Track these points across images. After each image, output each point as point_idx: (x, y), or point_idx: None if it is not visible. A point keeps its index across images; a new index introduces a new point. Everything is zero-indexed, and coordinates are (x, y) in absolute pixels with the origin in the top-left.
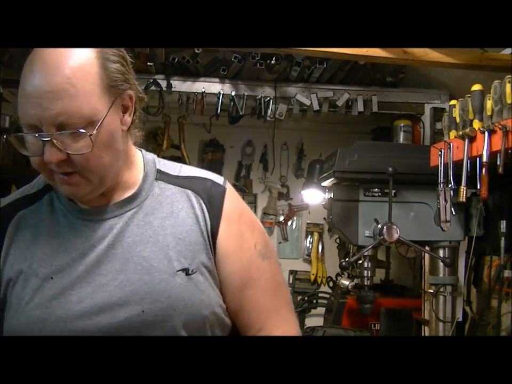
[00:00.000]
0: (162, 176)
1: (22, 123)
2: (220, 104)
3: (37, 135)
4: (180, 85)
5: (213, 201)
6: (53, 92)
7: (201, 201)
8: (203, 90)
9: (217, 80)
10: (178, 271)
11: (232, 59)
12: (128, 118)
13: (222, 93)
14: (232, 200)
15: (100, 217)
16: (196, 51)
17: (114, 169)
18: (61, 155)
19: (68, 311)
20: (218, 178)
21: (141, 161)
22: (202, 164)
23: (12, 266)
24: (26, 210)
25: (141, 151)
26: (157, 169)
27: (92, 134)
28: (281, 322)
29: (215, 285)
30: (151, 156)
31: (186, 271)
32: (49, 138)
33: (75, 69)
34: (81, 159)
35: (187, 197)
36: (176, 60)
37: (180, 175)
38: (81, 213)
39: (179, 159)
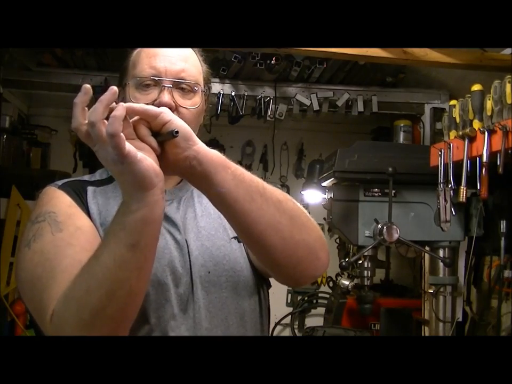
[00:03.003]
0: None
1: (143, 75)
2: (219, 104)
3: (161, 79)
4: None
5: None
6: (180, 55)
7: None
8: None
9: (217, 80)
10: (231, 238)
11: (232, 59)
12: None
13: (222, 93)
14: None
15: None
16: None
17: None
18: (173, 103)
19: None
20: None
21: None
22: None
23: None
24: (95, 187)
25: None
26: None
27: (204, 91)
28: None
29: None
30: None
31: (237, 238)
32: (171, 85)
33: (191, 52)
34: (186, 113)
35: None
36: None
37: None
38: None
39: None
